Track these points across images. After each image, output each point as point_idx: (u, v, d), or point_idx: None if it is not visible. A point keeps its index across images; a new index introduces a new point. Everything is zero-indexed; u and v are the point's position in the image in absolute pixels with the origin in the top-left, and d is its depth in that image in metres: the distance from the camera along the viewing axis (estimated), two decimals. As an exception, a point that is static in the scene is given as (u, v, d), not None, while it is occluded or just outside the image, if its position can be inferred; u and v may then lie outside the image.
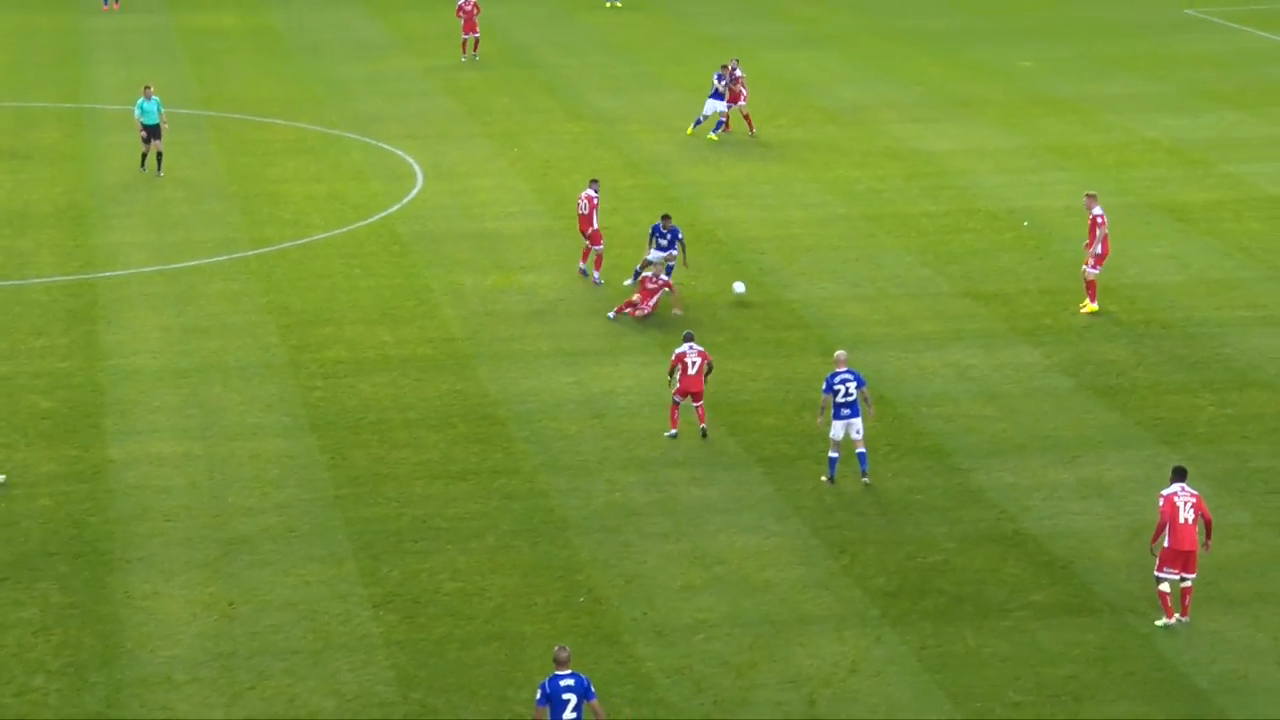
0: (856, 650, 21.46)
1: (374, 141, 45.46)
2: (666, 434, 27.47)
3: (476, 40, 55.34)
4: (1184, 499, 21.68)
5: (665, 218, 33.53)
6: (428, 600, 22.72)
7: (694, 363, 27.25)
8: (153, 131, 41.56)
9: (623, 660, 21.36)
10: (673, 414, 27.53)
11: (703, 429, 27.40)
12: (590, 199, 34.26)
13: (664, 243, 33.25)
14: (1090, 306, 32.55)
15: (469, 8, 55.17)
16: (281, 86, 52.10)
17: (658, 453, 27.01)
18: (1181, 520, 21.59)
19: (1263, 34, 59.26)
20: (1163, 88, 51.13)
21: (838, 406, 25.68)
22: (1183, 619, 21.74)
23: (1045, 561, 23.57)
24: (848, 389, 25.70)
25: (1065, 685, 20.68)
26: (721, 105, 44.83)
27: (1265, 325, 31.81)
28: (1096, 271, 32.49)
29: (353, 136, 46.00)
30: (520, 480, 26.17)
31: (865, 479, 25.81)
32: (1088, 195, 33.22)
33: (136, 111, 41.70)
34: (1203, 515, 21.71)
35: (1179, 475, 22.03)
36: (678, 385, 27.28)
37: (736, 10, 64.22)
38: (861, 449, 25.81)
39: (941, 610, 22.38)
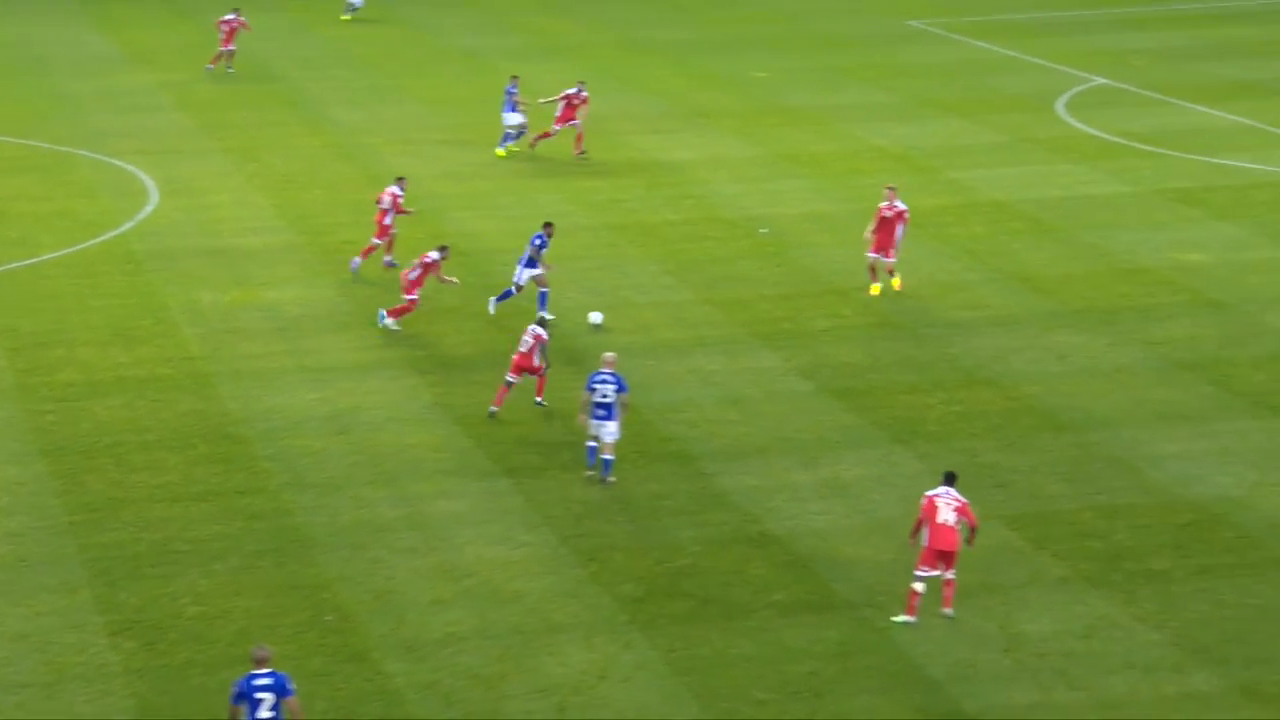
0: (606, 656, 21.51)
1: (105, 158, 44.31)
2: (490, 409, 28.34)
3: (232, 54, 54.29)
4: (946, 501, 22.24)
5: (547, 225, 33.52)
6: (168, 626, 22.17)
7: (526, 342, 28.20)
8: None
9: (371, 677, 21.10)
10: (501, 392, 28.27)
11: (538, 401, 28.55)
12: (394, 195, 34.87)
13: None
14: (894, 282, 34.13)
15: (235, 23, 54.13)
16: (6, 103, 50.50)
17: (405, 467, 26.77)
18: (940, 520, 22.17)
19: (982, 44, 61.03)
20: (890, 97, 52.34)
21: (595, 406, 26.01)
22: (946, 611, 22.24)
23: (788, 561, 23.91)
24: (605, 390, 25.99)
25: (807, 681, 20.99)
26: (519, 118, 44.62)
27: (989, 325, 32.72)
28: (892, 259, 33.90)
29: (83, 153, 44.78)
30: (264, 499, 25.71)
31: (607, 480, 26.03)
32: (888, 188, 34.48)
33: None
34: (966, 518, 22.23)
35: (948, 480, 22.63)
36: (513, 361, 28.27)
37: (476, 23, 64.10)
38: (608, 455, 25.99)
39: (689, 613, 22.56)
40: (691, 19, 66.51)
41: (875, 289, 34.13)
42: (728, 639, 21.90)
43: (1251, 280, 34.77)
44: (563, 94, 44.59)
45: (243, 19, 54.60)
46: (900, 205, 34.00)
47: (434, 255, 32.22)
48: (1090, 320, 32.84)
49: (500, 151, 45.11)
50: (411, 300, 32.02)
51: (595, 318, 32.59)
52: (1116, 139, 46.58)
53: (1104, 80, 54.35)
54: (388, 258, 35.28)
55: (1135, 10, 67.07)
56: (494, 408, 28.32)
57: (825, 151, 45.99)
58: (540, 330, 28.51)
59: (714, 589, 23.15)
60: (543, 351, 28.47)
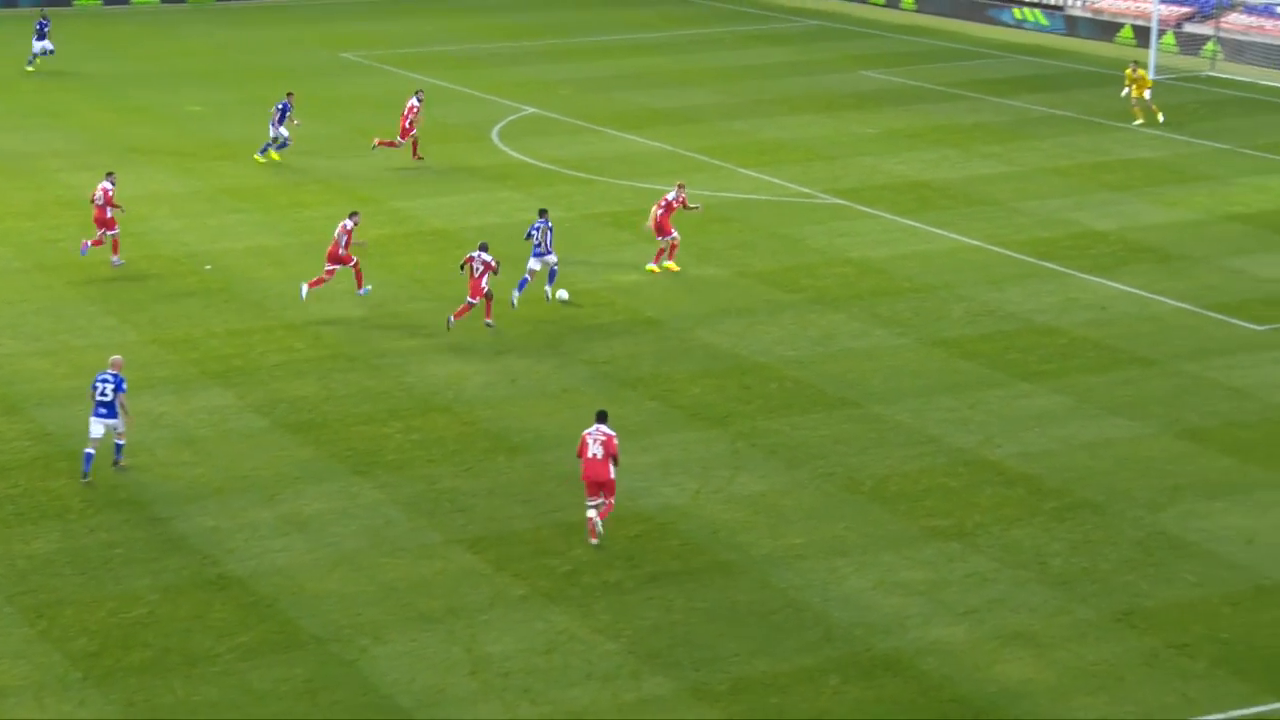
0: (59, 716, 20.34)
1: None
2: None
3: None
4: (595, 437, 24.40)
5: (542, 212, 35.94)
6: None
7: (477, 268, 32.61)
8: None
9: None
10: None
11: None
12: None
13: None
14: (670, 265, 37.25)
15: None
16: None
17: None
18: (590, 455, 24.37)
19: (416, 75, 61.35)
20: (329, 129, 51.93)
21: (97, 405, 26.60)
22: (597, 534, 24.65)
23: (251, 602, 23.22)
24: (104, 389, 26.60)
25: (279, 724, 20.45)
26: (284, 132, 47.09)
27: (441, 353, 32.79)
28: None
29: None
30: None
31: (118, 465, 27.06)
32: (678, 185, 37.75)
33: None
34: (610, 451, 24.29)
35: (600, 418, 24.81)
36: None
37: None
38: (120, 440, 27.03)
39: (148, 664, 21.59)
40: (120, 54, 64.33)
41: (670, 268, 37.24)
42: (190, 686, 21.07)
43: (681, 298, 36.09)
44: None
45: None
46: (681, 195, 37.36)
47: (348, 223, 34.73)
48: (536, 344, 33.36)
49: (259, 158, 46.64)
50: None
51: (562, 294, 34.81)
52: (549, 166, 47.64)
53: (534, 109, 55.54)
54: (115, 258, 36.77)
55: (559, 42, 68.91)
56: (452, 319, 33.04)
57: (268, 185, 45.22)
58: (487, 257, 33.00)
59: (174, 637, 22.25)
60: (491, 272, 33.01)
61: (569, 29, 72.47)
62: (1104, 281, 36.74)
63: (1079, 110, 54.26)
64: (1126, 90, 51.90)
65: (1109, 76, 59.00)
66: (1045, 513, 25.68)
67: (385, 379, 31.39)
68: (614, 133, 52.05)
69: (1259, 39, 62.48)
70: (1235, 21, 64.46)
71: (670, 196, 37.62)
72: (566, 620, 22.79)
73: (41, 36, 60.11)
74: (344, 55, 63.67)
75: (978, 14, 73.41)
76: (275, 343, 33.17)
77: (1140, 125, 51.42)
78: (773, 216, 42.36)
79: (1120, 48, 65.98)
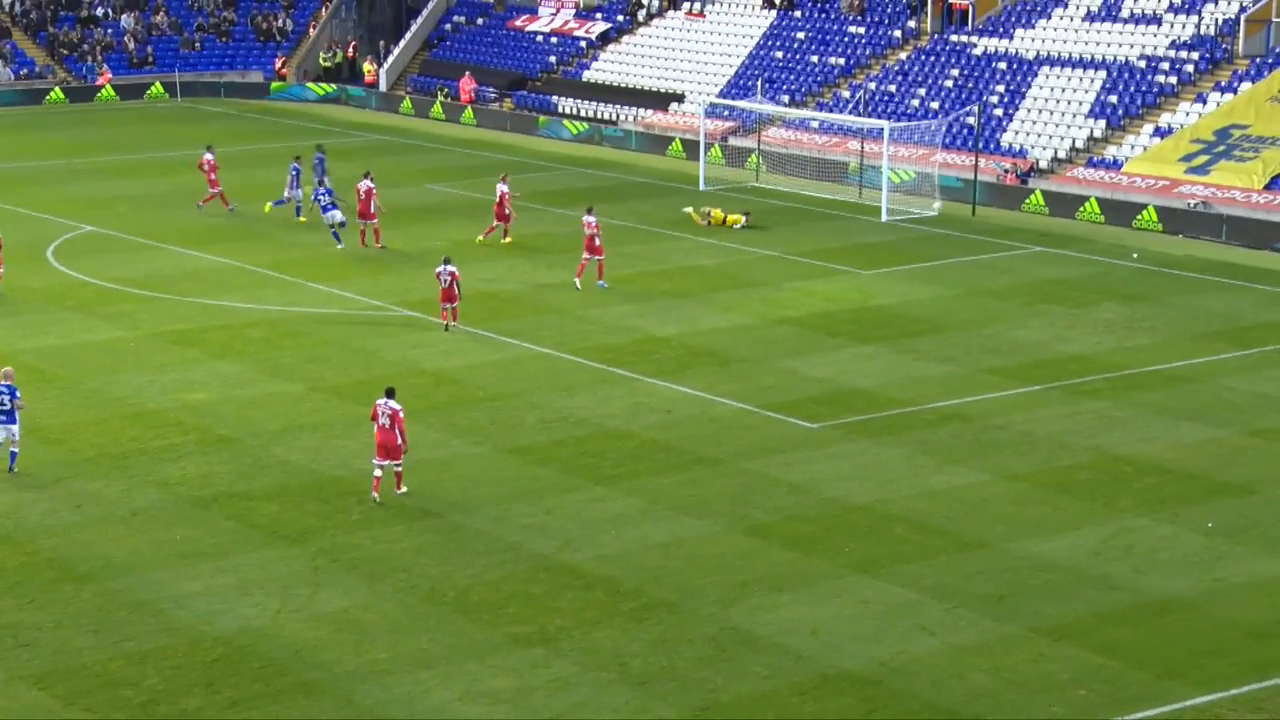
0: None
1: None
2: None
3: None
4: (384, 410, 29.71)
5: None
6: None
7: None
8: None
9: None
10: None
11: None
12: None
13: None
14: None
15: None
16: None
17: None
18: (380, 424, 29.76)
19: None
20: None
21: None
22: (399, 491, 30.09)
23: None
24: (2, 400, 30.90)
25: None
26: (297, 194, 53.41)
27: None
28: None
29: None
30: None
31: (13, 470, 30.97)
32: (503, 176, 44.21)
33: None
34: (397, 423, 29.57)
35: (388, 394, 30.03)
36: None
37: None
38: (15, 449, 31.17)
39: None
40: None
41: None
42: None
43: (255, 414, 35.39)
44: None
45: None
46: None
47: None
48: (104, 466, 32.14)
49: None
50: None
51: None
52: (111, 285, 46.18)
53: (92, 227, 53.86)
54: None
55: (117, 158, 67.16)
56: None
57: None
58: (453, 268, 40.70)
59: None
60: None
61: (125, 145, 70.72)
62: (669, 385, 37.75)
63: (637, 220, 55.85)
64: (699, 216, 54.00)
65: (663, 188, 60.99)
66: (624, 613, 26.04)
67: (-62, 511, 29.70)
68: (177, 249, 50.88)
69: (797, 152, 65.66)
70: (775, 135, 67.60)
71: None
72: (145, 754, 21.83)
73: None
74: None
75: (533, 128, 74.98)
76: None
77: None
78: (345, 331, 42.06)
79: (673, 160, 68.32)
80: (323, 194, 51.20)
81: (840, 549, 28.59)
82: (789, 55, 73.52)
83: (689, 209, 54.56)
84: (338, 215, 50.30)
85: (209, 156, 56.19)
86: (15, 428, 31.27)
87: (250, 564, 27.77)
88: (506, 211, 51.71)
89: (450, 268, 41.24)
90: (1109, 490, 31.36)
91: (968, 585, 27.09)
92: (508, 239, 51.94)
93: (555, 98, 77.53)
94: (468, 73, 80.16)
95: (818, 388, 37.69)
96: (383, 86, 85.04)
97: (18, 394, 31.31)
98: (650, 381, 38.02)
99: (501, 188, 51.80)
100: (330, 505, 30.33)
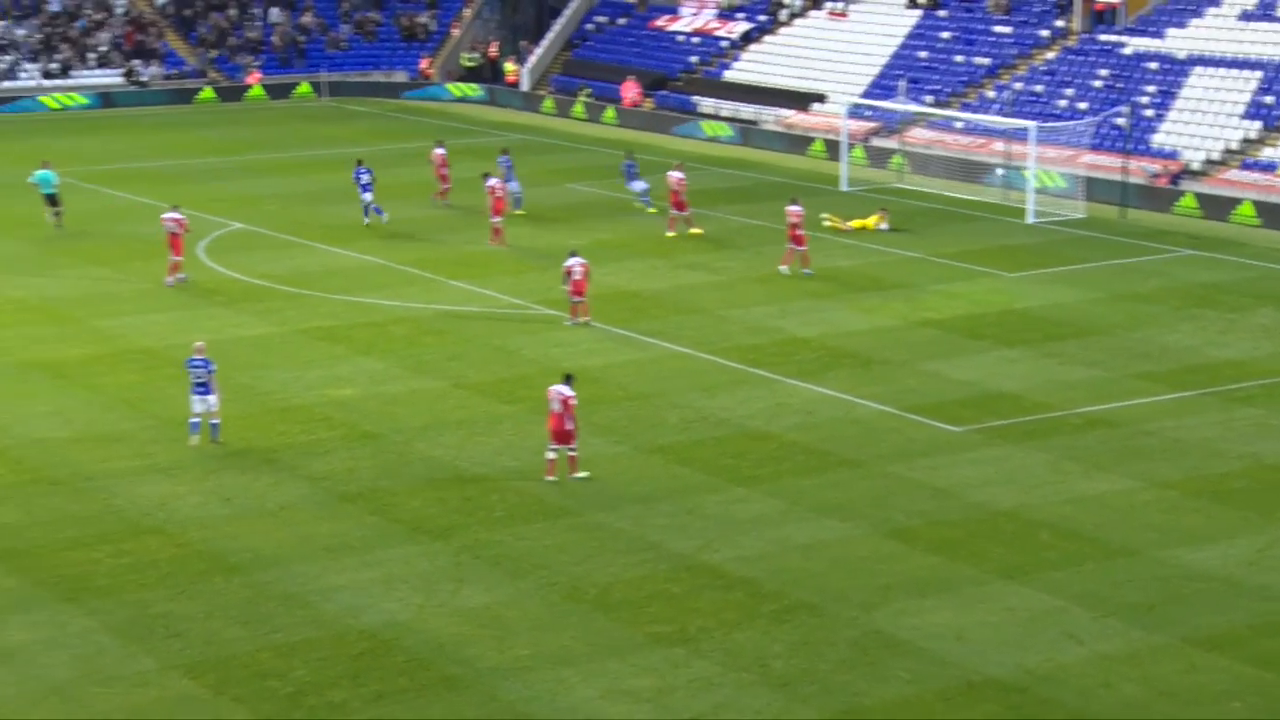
0: None
1: None
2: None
3: None
4: (556, 395, 30.63)
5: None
6: None
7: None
8: None
9: None
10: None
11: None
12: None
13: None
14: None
15: None
16: None
17: None
18: (553, 410, 30.71)
19: (117, 193, 60.07)
20: (23, 248, 50.32)
21: (196, 385, 32.44)
22: (572, 476, 31.04)
23: (-45, 741, 22.09)
24: (199, 373, 32.35)
25: None
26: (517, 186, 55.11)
27: (152, 473, 31.84)
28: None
29: None
30: None
31: (216, 441, 32.73)
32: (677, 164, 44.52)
33: None
34: (568, 409, 30.39)
35: (566, 379, 31.12)
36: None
37: None
38: (216, 419, 32.77)
39: None
40: None
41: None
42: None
43: (398, 411, 35.76)
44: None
45: None
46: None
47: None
48: (252, 460, 32.64)
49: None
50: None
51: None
52: (259, 281, 46.92)
53: (241, 224, 54.74)
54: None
55: (265, 157, 68.22)
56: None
57: (-40, 305, 43.60)
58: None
59: (-126, 781, 21.00)
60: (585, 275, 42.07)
61: (273, 143, 71.80)
62: (810, 386, 37.58)
63: (775, 220, 55.68)
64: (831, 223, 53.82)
65: (801, 188, 60.78)
66: (765, 615, 25.96)
67: (92, 502, 30.33)
68: (323, 247, 51.57)
69: (940, 152, 65.09)
70: (918, 136, 67.08)
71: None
72: (291, 744, 22.15)
73: None
74: (28, 180, 61.94)
75: (673, 127, 75.03)
76: (-25, 468, 31.84)
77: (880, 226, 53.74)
78: (486, 328, 42.37)
79: (814, 160, 68.04)
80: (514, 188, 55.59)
81: (985, 554, 28.28)
82: (933, 55, 72.91)
83: (827, 218, 54.21)
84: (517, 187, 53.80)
85: (440, 151, 57.32)
86: (213, 399, 32.52)
87: (394, 559, 28.05)
88: (682, 199, 52.49)
89: (580, 259, 41.85)
90: (1265, 499, 30.71)
91: (1116, 593, 26.66)
92: (694, 229, 52.63)
93: (696, 97, 77.54)
94: (631, 77, 79.70)
95: (961, 391, 37.33)
96: (524, 86, 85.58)
97: (213, 366, 32.61)
98: (791, 382, 37.88)
99: (676, 175, 52.74)
100: (472, 502, 30.56)
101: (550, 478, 30.90)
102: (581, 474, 31.28)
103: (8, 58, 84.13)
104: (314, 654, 24.67)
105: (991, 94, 68.31)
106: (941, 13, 75.30)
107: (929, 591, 26.82)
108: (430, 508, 30.32)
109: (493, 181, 51.60)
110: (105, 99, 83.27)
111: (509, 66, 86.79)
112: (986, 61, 70.99)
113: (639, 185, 57.27)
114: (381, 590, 26.83)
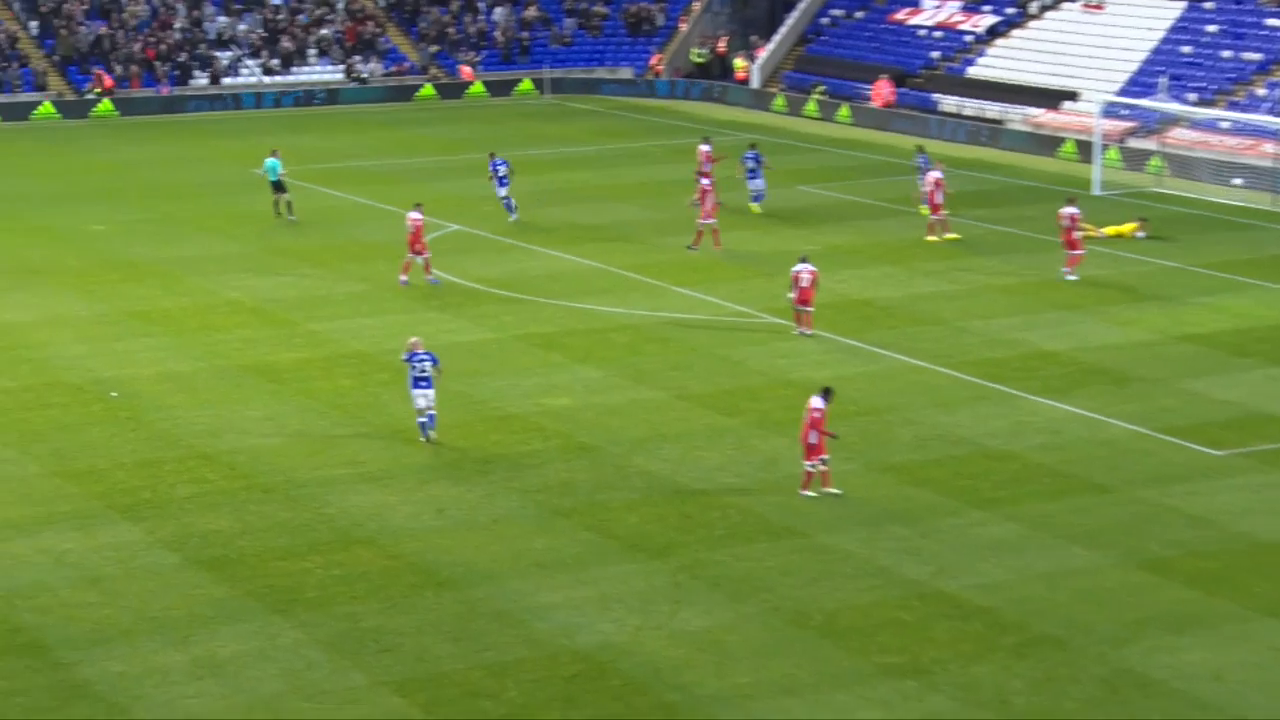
0: None
1: None
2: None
3: None
4: (807, 416, 31.02)
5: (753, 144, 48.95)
6: None
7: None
8: None
9: None
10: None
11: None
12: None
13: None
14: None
15: None
16: None
17: None
18: (808, 431, 31.07)
19: (335, 192, 61.51)
20: (241, 247, 51.80)
21: (415, 380, 33.78)
22: (807, 492, 31.27)
23: (162, 752, 22.76)
24: (423, 367, 33.74)
25: None
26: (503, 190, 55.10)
27: (363, 482, 32.51)
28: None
29: None
30: None
31: (432, 434, 34.14)
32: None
33: None
34: (817, 428, 30.86)
35: (825, 394, 31.39)
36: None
37: None
38: (433, 412, 34.12)
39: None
40: (16, 169, 64.03)
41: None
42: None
43: (616, 422, 36.02)
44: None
45: None
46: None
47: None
48: (466, 471, 33.16)
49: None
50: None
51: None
52: (475, 285, 47.66)
53: (458, 226, 55.66)
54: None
55: (476, 157, 69.35)
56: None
57: (175, 307, 44.97)
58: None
59: (81, 791, 21.74)
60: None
61: (490, 143, 72.94)
62: (1056, 404, 36.98)
63: (1022, 227, 54.92)
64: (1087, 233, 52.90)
65: (1050, 192, 59.82)
66: (1005, 648, 25.59)
67: (304, 510, 31.06)
68: (541, 250, 52.20)
69: (1204, 154, 63.59)
70: (1179, 137, 65.63)
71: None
72: (503, 768, 22.41)
73: None
74: (256, 171, 63.59)
75: (913, 127, 74.41)
76: (186, 473, 32.80)
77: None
78: (710, 337, 42.48)
79: (1064, 162, 66.97)
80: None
81: (1247, 589, 27.53)
82: (1198, 50, 71.31)
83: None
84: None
85: (706, 148, 57.94)
86: (433, 393, 33.92)
87: (610, 577, 28.24)
88: (937, 200, 52.20)
89: (809, 266, 41.82)
90: None
91: (1393, 636, 25.78)
92: (949, 234, 52.33)
93: (937, 95, 76.87)
94: (885, 75, 79.10)
95: (1224, 412, 36.41)
96: (755, 83, 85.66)
97: (437, 360, 34.15)
98: (1035, 399, 37.31)
99: (934, 174, 52.46)
100: (692, 519, 30.64)
101: (803, 492, 31.28)
102: (811, 491, 31.20)
103: (228, 53, 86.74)
104: (526, 675, 24.94)
105: (1262, 92, 66.50)
106: (1208, 5, 73.60)
107: (1185, 628, 26.19)
108: (648, 524, 30.48)
109: (705, 182, 51.55)
110: (327, 95, 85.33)
111: (738, 63, 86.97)
112: (1257, 57, 69.17)
113: (757, 184, 56.70)
114: (596, 610, 27.03)
